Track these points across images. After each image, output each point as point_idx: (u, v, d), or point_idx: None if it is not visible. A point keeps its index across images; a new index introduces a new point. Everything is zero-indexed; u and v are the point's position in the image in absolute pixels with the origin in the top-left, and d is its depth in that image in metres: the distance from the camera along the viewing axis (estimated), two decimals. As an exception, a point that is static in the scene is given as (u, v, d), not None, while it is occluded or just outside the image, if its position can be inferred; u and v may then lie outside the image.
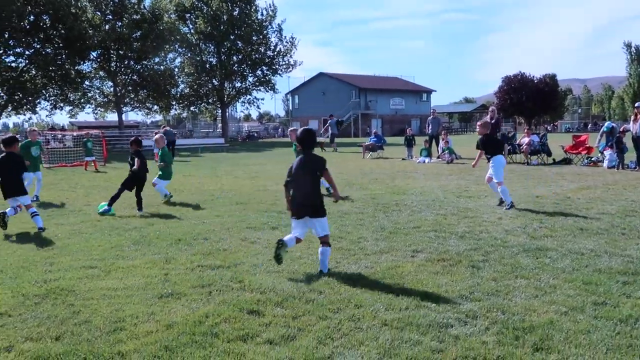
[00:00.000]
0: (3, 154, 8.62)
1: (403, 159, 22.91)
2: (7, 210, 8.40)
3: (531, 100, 72.56)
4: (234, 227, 8.35)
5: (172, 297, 5.08)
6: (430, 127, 24.33)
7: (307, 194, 6.11)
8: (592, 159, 18.39)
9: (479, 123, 11.10)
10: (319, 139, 40.61)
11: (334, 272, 5.77)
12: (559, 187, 12.58)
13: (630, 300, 4.75)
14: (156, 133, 30.57)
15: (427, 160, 21.20)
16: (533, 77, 76.53)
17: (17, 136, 10.77)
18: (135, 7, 46.13)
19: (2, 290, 5.38)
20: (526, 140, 19.65)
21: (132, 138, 11.27)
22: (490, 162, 10.18)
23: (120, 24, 45.52)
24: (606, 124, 20.01)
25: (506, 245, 6.87)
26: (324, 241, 5.92)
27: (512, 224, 8.20)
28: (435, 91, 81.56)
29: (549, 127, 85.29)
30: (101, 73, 48.54)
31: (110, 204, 10.07)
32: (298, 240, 5.99)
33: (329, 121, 36.21)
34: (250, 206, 10.50)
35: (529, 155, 19.17)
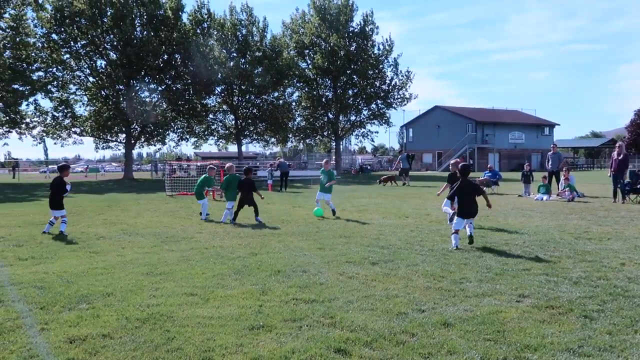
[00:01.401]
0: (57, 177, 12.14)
1: (519, 196, 21.82)
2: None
3: (668, 135, 66.68)
4: (333, 261, 8.29)
5: (262, 330, 5.08)
6: (550, 163, 23.04)
7: (471, 205, 9.65)
8: None
9: (451, 162, 12.80)
10: (389, 173, 40.39)
11: (430, 314, 5.51)
12: (697, 231, 11.29)
13: None
14: (270, 165, 31.63)
15: (545, 197, 20.02)
16: (671, 109, 70.44)
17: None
18: (258, 44, 48.55)
19: (109, 313, 5.67)
20: (659, 178, 17.97)
21: (245, 167, 13.76)
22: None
23: (243, 60, 48.07)
24: None
25: (627, 294, 6.21)
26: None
27: (636, 271, 7.43)
28: (559, 125, 77.55)
29: (690, 164, 77.93)
30: (224, 107, 51.38)
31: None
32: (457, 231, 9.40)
33: (400, 156, 36.39)
34: (353, 240, 10.42)
35: (662, 195, 17.48)
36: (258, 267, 7.84)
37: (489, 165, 28.34)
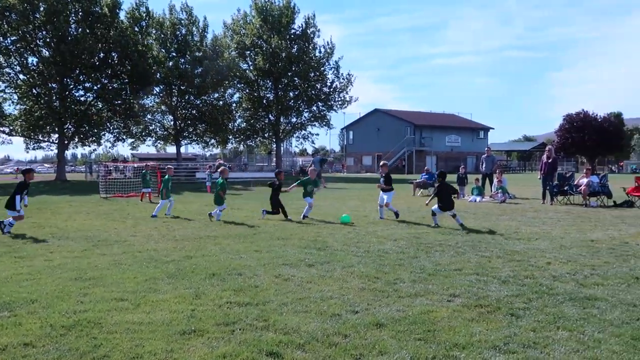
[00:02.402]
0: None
1: (454, 197, 22.34)
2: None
3: (593, 140, 70.14)
4: (270, 263, 8.25)
5: (194, 334, 4.98)
6: (484, 165, 23.79)
7: (449, 201, 12.88)
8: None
9: (381, 163, 15.37)
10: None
11: (363, 315, 5.55)
12: (618, 231, 11.91)
13: (683, 361, 4.32)
14: (209, 167, 31.21)
15: (478, 199, 20.64)
16: (596, 115, 74.17)
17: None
18: (198, 44, 47.84)
19: (32, 320, 5.42)
20: (585, 180, 18.85)
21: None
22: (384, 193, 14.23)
23: (183, 60, 47.24)
24: None
25: (552, 292, 6.46)
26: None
27: (560, 270, 7.75)
28: (493, 129, 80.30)
29: (613, 168, 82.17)
30: (163, 107, 50.32)
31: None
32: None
33: (313, 159, 36.46)
34: (290, 242, 10.40)
35: (587, 197, 18.34)
36: (192, 271, 7.70)
37: (426, 168, 28.92)
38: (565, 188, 19.41)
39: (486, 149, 26.31)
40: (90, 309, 5.81)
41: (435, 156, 69.92)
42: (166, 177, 16.63)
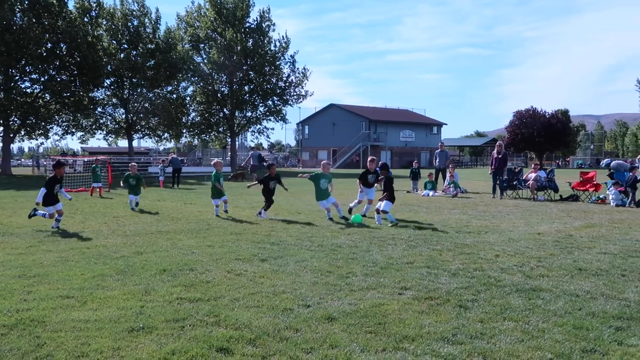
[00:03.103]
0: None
1: (407, 192, 22.69)
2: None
3: (542, 136, 72.24)
4: (222, 258, 8.17)
5: (142, 332, 4.88)
6: (437, 160, 24.19)
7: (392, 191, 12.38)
8: (600, 196, 18.07)
9: (369, 159, 14.57)
10: (240, 171, 38.72)
11: (315, 309, 5.56)
12: (563, 224, 12.30)
13: (620, 348, 4.49)
14: (162, 161, 30.70)
15: (431, 193, 20.98)
16: (545, 112, 76.39)
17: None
18: (150, 36, 46.92)
19: (-29, 319, 5.21)
20: (533, 175, 19.39)
21: (381, 163, 13.47)
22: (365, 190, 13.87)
23: (134, 52, 46.23)
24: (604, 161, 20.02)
25: (499, 284, 6.62)
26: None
27: (508, 262, 7.95)
28: (446, 124, 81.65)
29: (560, 163, 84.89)
30: (114, 100, 49.15)
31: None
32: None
33: (251, 153, 36.00)
34: (244, 236, 10.32)
35: (535, 191, 18.88)
36: (142, 267, 7.55)
37: (381, 163, 29.23)
38: (515, 183, 19.93)
39: (440, 144, 26.72)
40: (34, 307, 5.62)
41: (389, 151, 70.66)
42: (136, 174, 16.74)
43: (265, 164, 30.46)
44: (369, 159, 14.62)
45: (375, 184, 13.75)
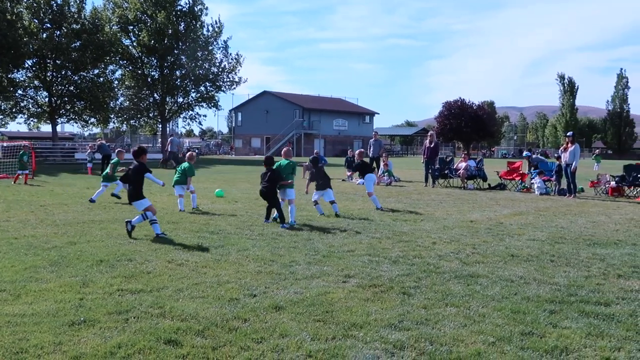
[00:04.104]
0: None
1: (343, 180, 22.92)
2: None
3: (470, 126, 74.63)
4: (161, 248, 7.99)
5: (84, 325, 4.71)
6: (371, 149, 24.51)
7: (326, 180, 12.04)
8: (526, 185, 18.91)
9: (357, 152, 15.11)
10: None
11: (262, 298, 5.54)
12: (493, 212, 12.80)
13: (556, 331, 4.74)
14: (90, 147, 29.58)
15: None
16: (472, 103, 78.88)
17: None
18: (75, 16, 44.80)
19: None
20: (463, 165, 20.04)
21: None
22: (364, 179, 13.79)
23: (58, 32, 44.06)
24: (524, 152, 21.18)
25: (438, 271, 6.82)
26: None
27: (445, 249, 8.20)
28: (379, 114, 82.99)
29: (486, 153, 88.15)
30: (36, 82, 46.70)
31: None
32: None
33: (171, 139, 34.64)
34: (181, 225, 10.13)
35: (465, 180, 19.53)
36: (78, 258, 7.27)
37: (315, 151, 29.34)
38: (446, 172, 20.52)
39: (373, 133, 27.11)
40: (-37, 301, 5.31)
41: (323, 139, 71.07)
42: (115, 160, 15.97)
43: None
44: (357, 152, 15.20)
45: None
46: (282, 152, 11.47)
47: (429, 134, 21.99)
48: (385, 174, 21.67)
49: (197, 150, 66.25)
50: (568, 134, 17.92)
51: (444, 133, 75.83)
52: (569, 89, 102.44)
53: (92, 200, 13.86)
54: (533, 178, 18.46)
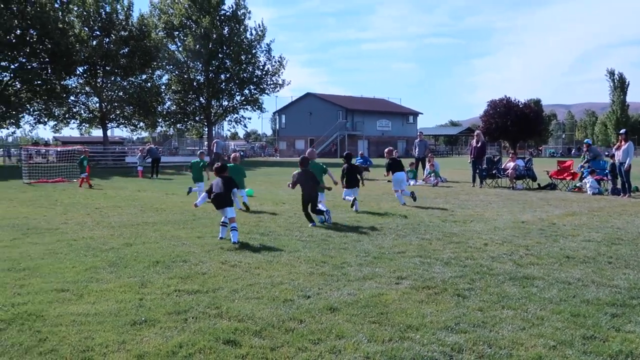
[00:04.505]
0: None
1: (389, 181, 22.77)
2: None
3: (516, 125, 73.14)
4: (214, 250, 8.13)
5: (145, 325, 4.85)
6: (417, 150, 24.32)
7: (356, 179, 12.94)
8: (577, 184, 18.42)
9: (386, 150, 15.31)
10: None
11: (316, 300, 5.58)
12: (545, 212, 12.51)
13: (619, 335, 4.60)
14: (140, 150, 30.32)
15: (412, 182, 21.11)
16: (518, 101, 77.28)
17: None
18: (123, 23, 46.03)
19: (-34, 314, 5.11)
20: (511, 164, 19.65)
21: (301, 157, 11.57)
22: (393, 178, 14.48)
23: (107, 40, 45.36)
24: (585, 140, 20.51)
25: (492, 273, 6.72)
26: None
27: (498, 251, 8.07)
28: (422, 114, 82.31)
29: (533, 152, 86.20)
30: (87, 88, 48.19)
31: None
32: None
33: (215, 140, 35.32)
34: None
35: (514, 180, 19.16)
36: (134, 259, 7.48)
37: (360, 152, 29.32)
38: (494, 171, 20.17)
39: (418, 133, 26.92)
40: (30, 300, 5.53)
41: (366, 140, 70.87)
42: (198, 160, 16.16)
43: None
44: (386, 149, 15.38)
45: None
46: (307, 153, 12.13)
47: (475, 133, 21.66)
48: (432, 174, 21.46)
49: (242, 153, 67.08)
50: (621, 131, 17.35)
51: (490, 132, 74.47)
52: (619, 85, 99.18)
53: (196, 205, 14.03)
54: (585, 177, 17.96)
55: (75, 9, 44.56)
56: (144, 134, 74.63)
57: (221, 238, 8.96)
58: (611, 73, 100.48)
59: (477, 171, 20.15)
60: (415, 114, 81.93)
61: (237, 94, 56.04)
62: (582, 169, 18.83)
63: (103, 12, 45.50)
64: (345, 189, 13.04)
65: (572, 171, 19.46)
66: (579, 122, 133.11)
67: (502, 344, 4.39)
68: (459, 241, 8.85)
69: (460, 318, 5.02)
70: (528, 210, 12.98)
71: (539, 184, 19.32)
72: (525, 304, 5.44)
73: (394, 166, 14.40)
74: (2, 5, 37.57)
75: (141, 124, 52.24)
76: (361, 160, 25.68)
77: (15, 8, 38.82)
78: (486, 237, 9.19)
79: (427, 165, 22.44)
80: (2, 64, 41.18)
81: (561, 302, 5.53)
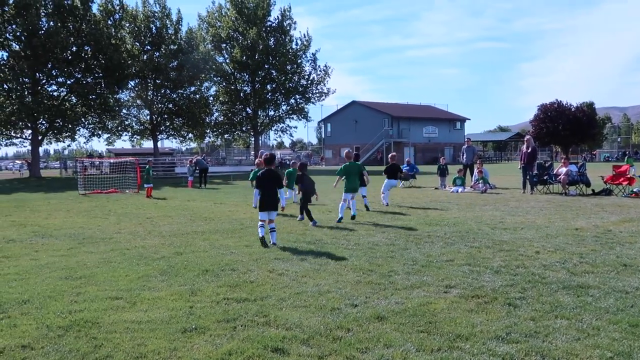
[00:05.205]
0: (264, 169, 9.86)
1: (436, 189, 22.56)
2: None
3: (568, 129, 71.21)
4: (262, 258, 8.21)
5: (195, 332, 4.94)
6: (464, 156, 23.96)
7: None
8: (634, 190, 17.75)
9: (389, 156, 16.80)
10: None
11: (363, 308, 5.56)
12: (600, 219, 12.11)
13: (681, 346, 4.41)
14: (190, 161, 30.95)
15: (460, 189, 20.81)
16: (570, 105, 75.26)
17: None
18: (173, 37, 47.30)
19: (27, 321, 5.31)
20: (563, 170, 19.11)
21: (299, 163, 14.44)
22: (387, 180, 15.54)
23: (157, 54, 46.65)
24: None
25: (545, 281, 6.54)
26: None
27: (550, 259, 7.86)
28: (469, 119, 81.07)
29: (586, 156, 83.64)
30: (138, 101, 49.68)
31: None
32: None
33: (261, 151, 35.56)
34: (279, 236, 10.34)
35: (566, 186, 18.62)
36: (185, 267, 7.63)
37: (407, 159, 29.09)
38: (545, 177, 19.66)
39: (466, 139, 26.51)
40: (86, 308, 5.71)
41: (413, 147, 70.30)
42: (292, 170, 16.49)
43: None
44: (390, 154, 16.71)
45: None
46: (345, 153, 13.42)
47: (525, 138, 21.20)
48: (480, 181, 21.09)
49: (287, 162, 67.63)
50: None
51: (540, 137, 72.80)
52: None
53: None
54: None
55: (127, 25, 46.07)
56: (193, 145, 76.14)
57: (263, 237, 9.31)
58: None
59: (528, 177, 19.68)
60: (463, 120, 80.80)
61: (283, 103, 56.70)
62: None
63: (153, 28, 46.94)
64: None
65: (628, 176, 18.77)
66: (636, 124, 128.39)
67: (556, 355, 4.26)
68: (509, 249, 8.67)
69: (511, 328, 4.91)
70: (582, 216, 12.59)
71: (593, 190, 18.72)
72: (580, 314, 5.28)
73: (389, 171, 15.81)
74: (59, 24, 39.16)
75: (190, 135, 53.44)
76: (408, 168, 25.51)
77: (71, 26, 40.41)
78: (538, 245, 8.96)
79: (476, 172, 22.07)
80: (59, 79, 42.92)
81: (618, 311, 5.34)
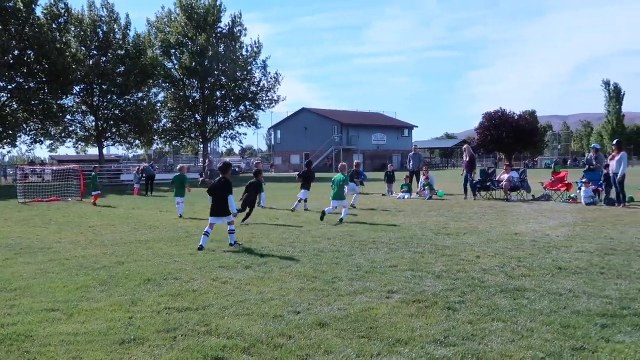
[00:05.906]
0: (220, 178, 10.19)
1: (383, 195, 22.85)
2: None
3: (511, 137, 73.44)
4: (206, 267, 8.12)
5: (134, 343, 4.84)
6: (411, 163, 24.39)
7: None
8: (572, 195, 18.46)
9: (340, 165, 15.66)
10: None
11: (306, 315, 5.57)
12: (538, 224, 12.53)
13: (609, 345, 4.61)
14: (137, 169, 30.30)
15: (407, 196, 21.15)
16: (513, 113, 77.67)
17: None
18: (120, 42, 46.32)
19: (-45, 336, 5.09)
20: (506, 176, 19.71)
21: (255, 170, 16.06)
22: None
23: (104, 59, 45.60)
24: (592, 144, 20.81)
25: (484, 285, 6.73)
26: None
27: (490, 263, 8.08)
28: (417, 127, 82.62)
29: (529, 163, 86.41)
30: (83, 107, 48.34)
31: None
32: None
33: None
34: (225, 244, 10.25)
35: (508, 192, 19.20)
36: (126, 277, 7.46)
37: (356, 162, 29.25)
38: (488, 184, 20.22)
39: (413, 147, 27.00)
40: (19, 321, 5.51)
41: (362, 154, 71.01)
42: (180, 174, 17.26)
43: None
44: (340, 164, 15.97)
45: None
46: (339, 166, 15.00)
47: (464, 147, 21.80)
48: (426, 187, 21.49)
49: (237, 169, 67.04)
50: (614, 142, 17.45)
51: (485, 144, 74.86)
52: (615, 95, 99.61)
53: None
54: (580, 188, 18.01)
55: (73, 29, 44.86)
56: (140, 152, 74.64)
57: (202, 247, 9.63)
58: (607, 84, 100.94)
59: (469, 183, 20.25)
60: (411, 128, 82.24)
61: (233, 110, 56.28)
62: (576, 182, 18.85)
63: (100, 32, 45.86)
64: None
65: (566, 182, 19.51)
66: (575, 132, 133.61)
67: (490, 357, 4.39)
68: (451, 254, 8.86)
69: (449, 331, 5.02)
70: (521, 222, 13.00)
71: (533, 196, 19.36)
72: (516, 316, 5.45)
73: (307, 179, 17.48)
74: (0, 27, 37.76)
75: (137, 142, 52.34)
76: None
77: (13, 30, 39.05)
78: (479, 250, 9.20)
79: (422, 178, 22.47)
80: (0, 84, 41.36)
81: (552, 313, 5.54)
